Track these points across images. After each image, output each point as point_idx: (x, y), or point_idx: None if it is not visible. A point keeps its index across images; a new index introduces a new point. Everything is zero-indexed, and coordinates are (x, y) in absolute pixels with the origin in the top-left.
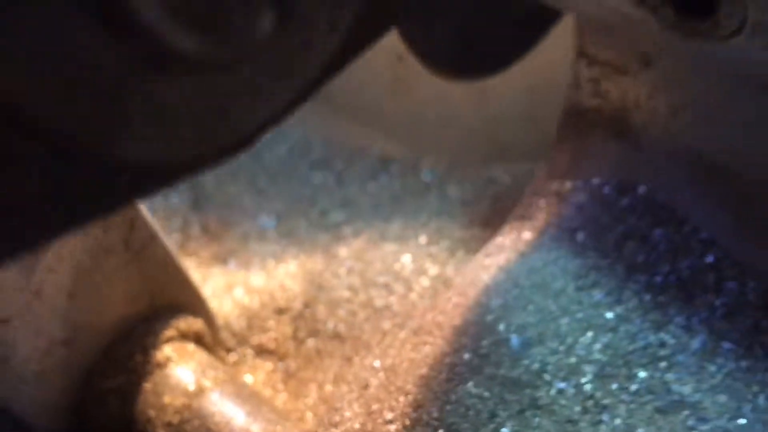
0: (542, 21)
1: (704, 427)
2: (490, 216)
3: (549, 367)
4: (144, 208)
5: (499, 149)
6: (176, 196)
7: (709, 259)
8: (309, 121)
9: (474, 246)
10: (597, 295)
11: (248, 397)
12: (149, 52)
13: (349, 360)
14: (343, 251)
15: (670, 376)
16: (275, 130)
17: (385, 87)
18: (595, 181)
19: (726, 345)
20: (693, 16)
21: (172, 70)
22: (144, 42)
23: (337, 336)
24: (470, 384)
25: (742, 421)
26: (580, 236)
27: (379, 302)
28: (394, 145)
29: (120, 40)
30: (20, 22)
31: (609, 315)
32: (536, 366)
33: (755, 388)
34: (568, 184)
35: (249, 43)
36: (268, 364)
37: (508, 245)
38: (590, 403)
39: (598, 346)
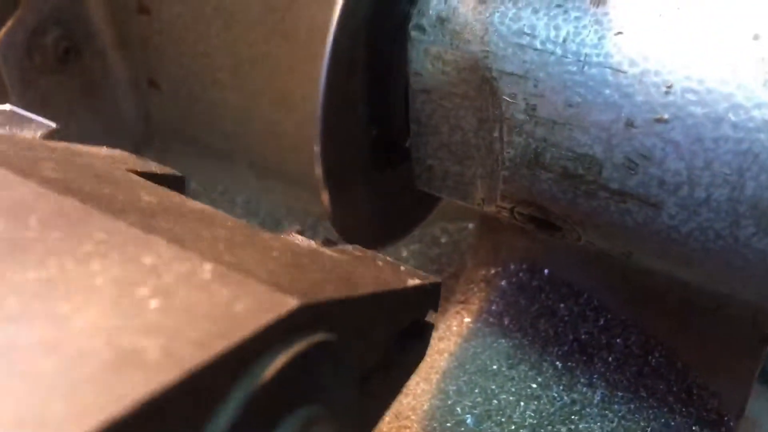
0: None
1: None
2: (437, 273)
3: None
4: None
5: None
6: None
7: (601, 322)
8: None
9: None
10: (523, 370)
11: None
12: None
13: None
14: None
15: (582, 426)
16: None
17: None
18: (512, 266)
19: (619, 393)
20: (548, 231)
21: None
22: None
23: None
24: None
25: None
26: (506, 320)
27: None
28: None
29: None
30: None
31: (534, 385)
32: None
33: (643, 424)
34: (492, 271)
35: None
36: None
37: (455, 329)
38: None
39: (529, 413)
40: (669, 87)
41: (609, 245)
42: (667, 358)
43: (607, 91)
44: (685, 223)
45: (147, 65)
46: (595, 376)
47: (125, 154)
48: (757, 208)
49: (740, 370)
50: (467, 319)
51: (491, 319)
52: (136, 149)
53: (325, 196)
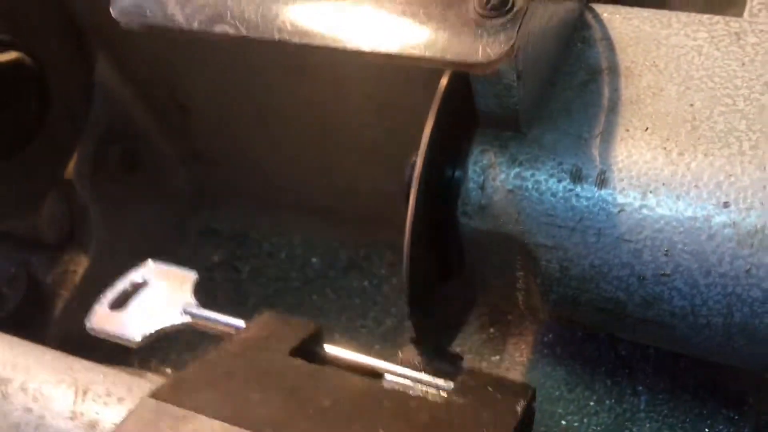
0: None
1: None
2: None
3: None
4: None
5: None
6: None
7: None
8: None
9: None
10: (580, 391)
11: None
12: None
13: None
14: None
15: (635, 430)
16: None
17: None
18: None
19: (659, 396)
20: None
21: None
22: None
23: None
24: None
25: None
26: (557, 349)
27: None
28: None
29: None
30: None
31: (591, 403)
32: None
33: (682, 418)
34: None
35: None
36: None
37: (518, 359)
38: None
39: (591, 427)
40: (667, 251)
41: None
42: (695, 359)
43: (621, 256)
44: (693, 338)
45: (191, 145)
46: (639, 386)
47: (271, 323)
48: (745, 330)
49: None
50: (526, 351)
51: (545, 350)
52: (193, 212)
53: (413, 319)
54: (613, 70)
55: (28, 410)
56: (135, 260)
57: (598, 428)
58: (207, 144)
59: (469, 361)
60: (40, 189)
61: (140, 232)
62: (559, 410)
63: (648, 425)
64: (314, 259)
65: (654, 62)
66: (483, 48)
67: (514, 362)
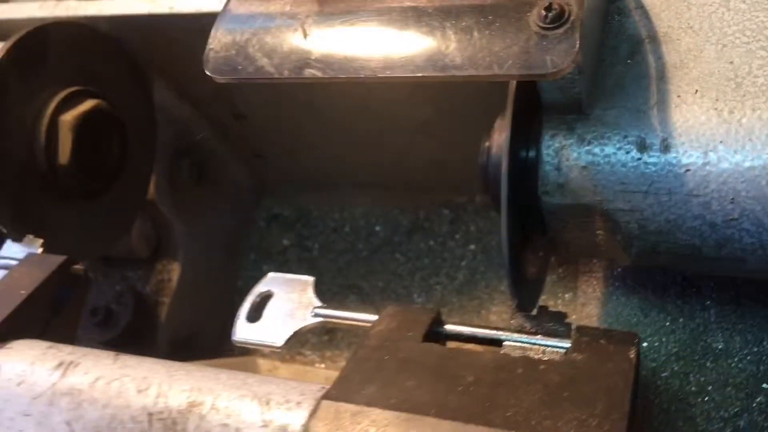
0: None
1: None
2: None
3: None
4: None
5: None
6: None
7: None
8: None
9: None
10: (654, 314)
11: None
12: None
13: None
14: None
15: (710, 340)
16: None
17: None
18: None
19: (727, 307)
20: None
21: None
22: None
23: None
24: None
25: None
26: (628, 280)
27: None
28: None
29: None
30: None
31: (666, 323)
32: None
33: (750, 323)
34: None
35: None
36: None
37: (591, 294)
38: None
39: (670, 345)
40: (732, 199)
41: None
42: None
43: (692, 209)
44: (763, 266)
45: (249, 145)
46: (707, 301)
47: (397, 315)
48: None
49: None
50: (598, 286)
51: (617, 283)
52: (258, 203)
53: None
54: (653, 38)
55: (225, 426)
56: (216, 259)
57: (676, 345)
58: (263, 141)
59: (543, 302)
60: (130, 215)
61: (216, 232)
62: (639, 335)
63: (720, 334)
64: (378, 228)
65: (689, 24)
66: (551, 59)
67: (588, 297)
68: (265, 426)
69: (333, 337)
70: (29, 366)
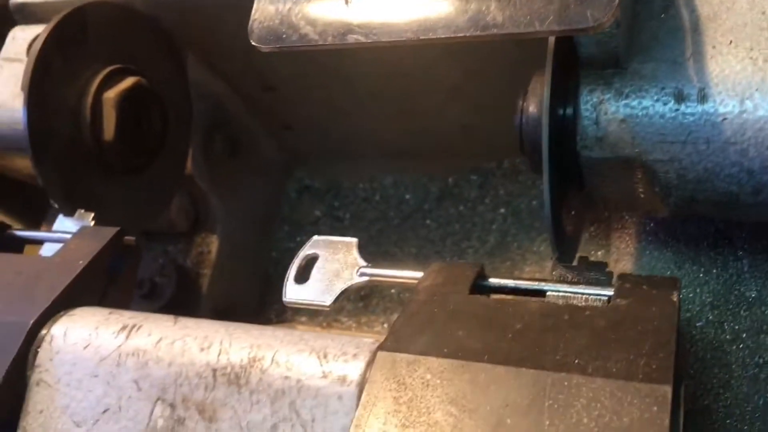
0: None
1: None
2: None
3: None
4: None
5: None
6: None
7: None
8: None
9: None
10: (688, 266)
11: None
12: None
13: None
14: None
15: (743, 289)
16: None
17: None
18: None
19: (759, 256)
20: None
21: None
22: None
23: None
24: None
25: None
26: (660, 234)
27: None
28: None
29: None
30: None
31: (700, 275)
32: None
33: None
34: None
35: None
36: None
37: (624, 249)
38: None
39: (705, 295)
40: None
41: None
42: None
43: (730, 156)
44: None
45: (279, 118)
46: (739, 252)
47: (443, 270)
48: None
49: None
50: (631, 241)
51: (650, 237)
52: (289, 175)
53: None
54: None
55: (286, 378)
56: (251, 231)
57: (710, 295)
58: (293, 113)
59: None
60: (170, 190)
61: (251, 205)
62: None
63: (753, 283)
64: (407, 196)
65: None
66: (591, 13)
67: (621, 253)
68: (324, 377)
69: (368, 303)
70: (94, 330)
